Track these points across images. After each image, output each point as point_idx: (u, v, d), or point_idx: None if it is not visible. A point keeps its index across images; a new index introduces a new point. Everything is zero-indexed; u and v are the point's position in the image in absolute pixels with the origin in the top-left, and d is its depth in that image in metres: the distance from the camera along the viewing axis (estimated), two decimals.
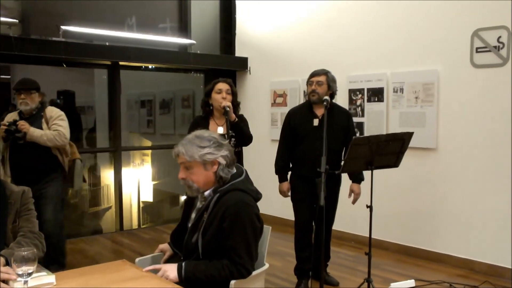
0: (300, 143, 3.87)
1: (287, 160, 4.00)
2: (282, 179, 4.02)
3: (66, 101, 7.72)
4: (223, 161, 2.17)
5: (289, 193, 4.03)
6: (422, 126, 4.70)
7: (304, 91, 5.84)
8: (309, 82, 3.87)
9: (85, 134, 7.50)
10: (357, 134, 5.20)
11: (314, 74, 3.85)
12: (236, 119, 3.58)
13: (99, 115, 6.82)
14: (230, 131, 3.52)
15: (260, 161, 6.25)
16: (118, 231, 5.96)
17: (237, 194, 2.14)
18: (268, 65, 6.41)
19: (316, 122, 3.83)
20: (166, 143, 6.79)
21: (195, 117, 3.91)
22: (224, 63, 6.64)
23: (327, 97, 3.63)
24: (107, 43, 5.56)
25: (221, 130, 3.62)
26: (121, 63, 5.83)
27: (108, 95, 6.03)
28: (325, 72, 3.84)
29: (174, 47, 6.47)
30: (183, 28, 6.54)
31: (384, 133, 4.92)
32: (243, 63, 6.68)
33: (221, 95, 3.62)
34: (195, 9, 6.62)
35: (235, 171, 2.25)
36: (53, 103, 7.89)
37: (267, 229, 2.53)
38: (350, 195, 3.94)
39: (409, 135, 3.43)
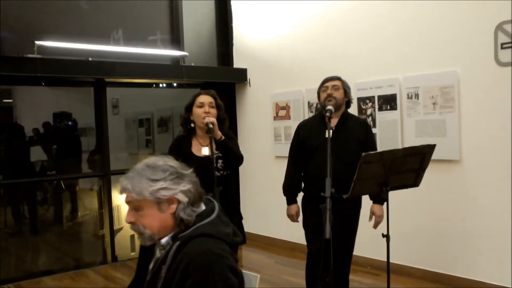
0: (311, 158, 3.35)
1: (296, 180, 3.50)
2: (290, 201, 3.53)
3: (62, 123, 7.33)
4: (183, 198, 1.61)
5: (299, 218, 3.53)
6: (443, 135, 4.12)
7: (309, 102, 5.33)
8: (322, 88, 3.41)
9: (86, 156, 7.11)
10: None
11: (328, 79, 3.45)
12: (222, 137, 3.06)
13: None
14: (216, 152, 3.01)
15: (264, 180, 5.74)
16: (110, 263, 5.43)
17: (204, 242, 1.57)
18: (269, 75, 5.90)
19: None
20: None
21: (176, 137, 3.37)
22: (221, 75, 6.15)
23: (330, 107, 3.20)
24: (90, 59, 5.09)
25: (206, 151, 3.09)
26: (107, 79, 5.36)
27: (95, 115, 5.56)
28: (339, 78, 3.45)
29: (166, 61, 6.00)
30: (175, 39, 6.07)
31: (399, 144, 4.40)
32: (241, 74, 6.17)
33: (203, 109, 3.09)
34: (188, 19, 6.16)
35: (202, 208, 1.70)
36: (47, 126, 7.53)
37: (255, 278, 1.97)
38: (370, 218, 3.38)
39: (430, 148, 2.87)
